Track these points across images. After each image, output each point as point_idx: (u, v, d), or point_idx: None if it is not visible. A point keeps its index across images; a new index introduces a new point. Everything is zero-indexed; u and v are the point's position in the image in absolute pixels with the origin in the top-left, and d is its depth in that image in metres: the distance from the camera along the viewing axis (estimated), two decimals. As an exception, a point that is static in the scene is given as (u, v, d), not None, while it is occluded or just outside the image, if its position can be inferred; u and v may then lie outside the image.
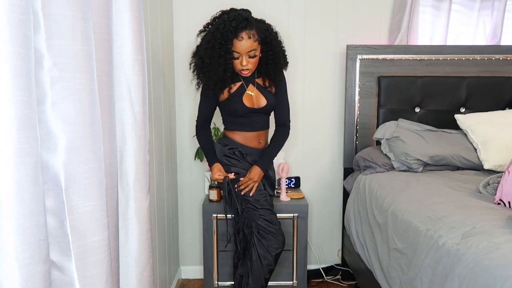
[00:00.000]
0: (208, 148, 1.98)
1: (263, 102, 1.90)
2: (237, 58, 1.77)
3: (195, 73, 1.84)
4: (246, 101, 1.86)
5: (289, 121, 2.02)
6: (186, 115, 2.62)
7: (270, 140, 2.01)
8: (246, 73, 1.81)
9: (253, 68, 1.82)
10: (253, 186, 1.89)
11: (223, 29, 1.69)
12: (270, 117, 2.02)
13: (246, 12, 1.75)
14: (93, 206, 0.93)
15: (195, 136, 2.01)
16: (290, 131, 2.02)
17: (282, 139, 2.00)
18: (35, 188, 0.74)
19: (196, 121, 2.00)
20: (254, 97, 1.88)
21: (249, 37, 1.73)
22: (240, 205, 1.89)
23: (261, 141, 1.97)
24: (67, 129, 0.86)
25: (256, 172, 1.89)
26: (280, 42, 1.86)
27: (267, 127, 1.99)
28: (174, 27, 2.54)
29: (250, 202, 1.88)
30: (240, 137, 1.93)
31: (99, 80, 0.98)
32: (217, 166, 1.94)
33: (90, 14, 0.91)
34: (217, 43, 1.71)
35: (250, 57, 1.77)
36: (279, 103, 1.96)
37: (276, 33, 1.84)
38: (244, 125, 1.91)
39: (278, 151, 2.00)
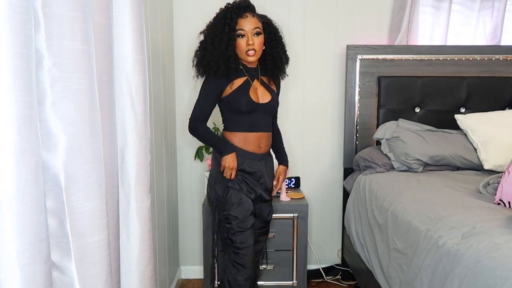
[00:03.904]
0: (214, 136, 1.86)
1: (267, 97, 1.85)
2: (243, 36, 1.73)
3: (197, 60, 1.79)
4: (252, 95, 1.81)
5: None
6: (186, 115, 2.60)
7: (276, 138, 2.03)
8: (252, 55, 1.75)
9: (259, 50, 1.77)
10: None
11: (226, 11, 1.72)
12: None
13: (248, 2, 1.78)
14: (93, 206, 0.92)
15: (192, 134, 1.88)
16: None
17: (280, 134, 2.08)
18: (36, 187, 0.74)
19: (192, 118, 1.84)
20: (259, 92, 1.85)
21: (253, 16, 1.75)
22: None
23: (261, 145, 1.86)
24: (67, 129, 0.86)
25: (281, 172, 2.02)
26: (281, 37, 1.87)
27: (268, 129, 1.90)
28: (174, 26, 2.54)
29: (228, 238, 1.85)
30: (240, 139, 1.82)
31: (99, 80, 0.97)
32: (233, 156, 1.79)
33: (90, 14, 0.91)
34: (220, 23, 1.71)
35: (255, 34, 1.74)
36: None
37: (277, 27, 1.86)
38: (245, 124, 1.82)
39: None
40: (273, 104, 1.89)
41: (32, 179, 0.73)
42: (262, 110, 1.84)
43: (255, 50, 1.75)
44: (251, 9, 1.77)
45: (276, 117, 2.05)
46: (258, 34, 1.75)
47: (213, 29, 1.73)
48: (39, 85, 0.81)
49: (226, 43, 1.70)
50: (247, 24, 1.72)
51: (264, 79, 1.90)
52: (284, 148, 2.07)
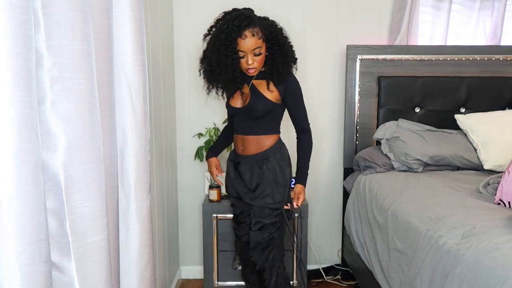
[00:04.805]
0: (215, 141, 2.12)
1: (247, 102, 1.85)
2: (243, 57, 1.75)
3: (205, 78, 1.84)
4: (235, 100, 1.88)
5: (308, 124, 1.96)
6: (186, 115, 2.62)
7: (297, 154, 1.98)
8: (252, 72, 1.79)
9: (259, 67, 1.80)
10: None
11: (227, 29, 1.69)
12: (263, 125, 1.87)
13: (248, 10, 1.75)
14: (92, 206, 0.92)
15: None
16: (311, 134, 1.97)
17: (307, 148, 1.97)
18: (36, 187, 0.74)
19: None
20: (244, 96, 1.86)
21: (253, 35, 1.72)
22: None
23: (242, 147, 1.89)
24: (66, 129, 0.86)
25: (301, 191, 1.96)
26: (286, 38, 1.85)
27: (253, 133, 1.87)
28: (174, 27, 2.54)
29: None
30: (234, 140, 1.99)
31: (99, 80, 0.98)
32: (208, 163, 2.08)
33: (90, 14, 0.91)
34: (222, 44, 1.70)
35: (255, 55, 1.75)
36: (294, 110, 1.91)
37: (281, 29, 1.82)
38: (234, 126, 1.95)
39: (309, 160, 1.98)
40: (248, 109, 1.82)
41: (32, 179, 0.73)
42: (239, 114, 1.88)
43: (255, 68, 1.78)
44: (251, 20, 1.71)
45: (300, 128, 1.95)
46: (257, 54, 1.75)
47: (217, 51, 1.72)
48: (39, 85, 0.81)
49: (232, 68, 1.74)
50: (247, 45, 1.72)
51: (259, 82, 1.84)
52: (303, 165, 1.97)
